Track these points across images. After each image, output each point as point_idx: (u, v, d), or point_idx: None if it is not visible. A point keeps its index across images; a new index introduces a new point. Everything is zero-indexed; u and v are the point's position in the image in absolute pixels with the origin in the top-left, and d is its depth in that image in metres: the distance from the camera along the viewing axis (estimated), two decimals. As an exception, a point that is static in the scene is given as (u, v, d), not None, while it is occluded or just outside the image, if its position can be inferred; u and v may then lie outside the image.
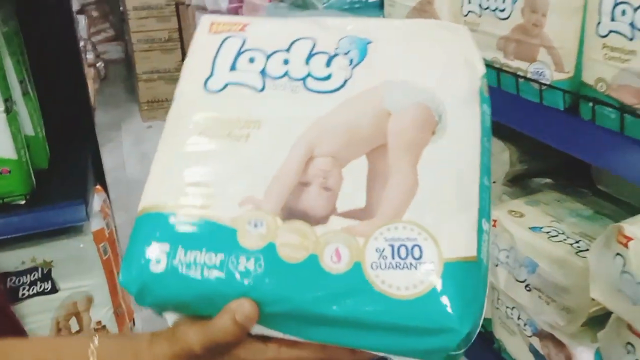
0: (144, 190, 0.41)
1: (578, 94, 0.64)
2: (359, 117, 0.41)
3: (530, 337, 0.77)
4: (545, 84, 0.68)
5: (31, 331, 1.06)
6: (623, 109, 0.57)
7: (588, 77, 0.61)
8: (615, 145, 0.60)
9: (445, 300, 0.35)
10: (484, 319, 0.93)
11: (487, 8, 0.73)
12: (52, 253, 1.02)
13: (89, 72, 3.43)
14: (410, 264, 0.36)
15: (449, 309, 0.35)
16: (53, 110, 1.20)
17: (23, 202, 0.97)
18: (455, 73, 0.43)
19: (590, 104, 0.62)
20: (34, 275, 1.02)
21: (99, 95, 3.68)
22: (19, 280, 1.02)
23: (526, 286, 0.72)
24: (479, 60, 0.44)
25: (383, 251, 0.36)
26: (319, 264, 0.36)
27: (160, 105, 3.40)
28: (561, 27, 0.62)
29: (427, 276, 0.35)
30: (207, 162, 0.41)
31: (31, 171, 1.00)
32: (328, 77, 0.43)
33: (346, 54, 0.43)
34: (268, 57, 0.44)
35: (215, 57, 0.45)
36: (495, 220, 0.77)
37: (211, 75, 0.44)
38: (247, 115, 0.42)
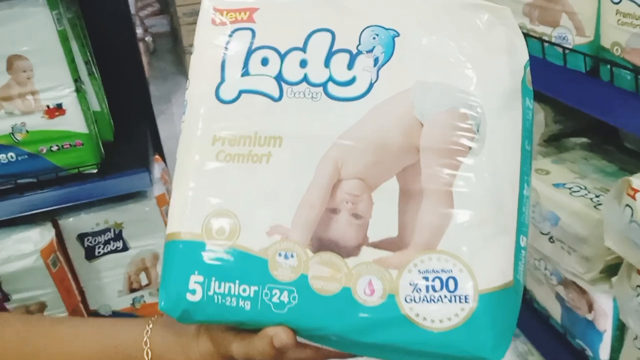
0: (169, 212, 0.41)
1: (598, 57, 0.67)
2: (388, 130, 0.37)
3: (555, 285, 0.83)
4: (568, 48, 0.71)
5: (107, 285, 1.20)
6: (637, 70, 0.61)
7: (605, 41, 0.64)
8: (631, 104, 0.64)
9: (479, 332, 0.34)
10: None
11: (512, -24, 0.76)
12: (122, 216, 1.14)
13: (139, 47, 3.56)
14: (445, 297, 0.35)
15: (483, 341, 0.34)
16: (113, 87, 1.31)
17: (95, 170, 1.08)
18: (496, 67, 0.37)
19: (609, 66, 0.65)
20: (107, 236, 1.15)
21: (150, 69, 3.81)
22: (95, 240, 1.15)
23: (550, 238, 0.78)
24: (522, 46, 0.39)
25: (417, 284, 0.35)
26: (353, 296, 0.36)
27: (207, 77, 3.51)
28: (580, -6, 0.66)
29: (462, 309, 0.35)
30: (230, 186, 0.39)
31: (100, 143, 1.12)
32: (352, 81, 0.38)
33: (370, 51, 0.38)
34: (283, 57, 0.40)
35: (224, 58, 0.41)
36: (522, 178, 0.83)
37: (222, 81, 0.40)
38: (267, 130, 0.39)
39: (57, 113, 1.03)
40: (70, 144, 1.04)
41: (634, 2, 0.57)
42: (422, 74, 0.37)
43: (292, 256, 0.37)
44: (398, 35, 0.38)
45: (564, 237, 0.75)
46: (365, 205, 0.37)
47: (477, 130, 0.36)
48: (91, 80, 1.16)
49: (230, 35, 0.41)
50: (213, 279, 0.38)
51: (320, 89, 0.39)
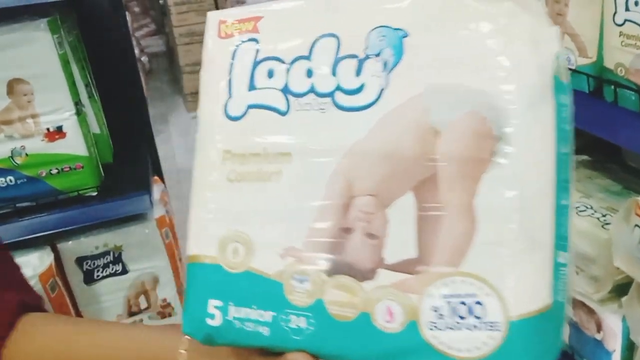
0: (189, 233, 0.40)
1: (601, 77, 0.68)
2: (401, 140, 0.34)
3: (563, 305, 0.82)
4: (571, 69, 0.72)
5: (106, 309, 1.18)
6: (641, 91, 0.61)
7: (609, 62, 0.65)
8: (635, 124, 0.64)
9: None
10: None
11: (513, -2, 0.77)
12: (122, 238, 1.13)
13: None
14: (471, 324, 0.32)
15: None
16: (112, 109, 1.31)
17: (95, 193, 1.07)
18: (519, 62, 0.33)
19: (612, 87, 0.66)
20: (106, 259, 1.14)
21: (146, 89, 3.83)
22: (94, 264, 1.14)
23: (557, 258, 0.77)
24: (551, 35, 0.34)
25: (440, 309, 0.32)
26: (372, 323, 0.34)
27: (203, 96, 3.53)
28: (582, 16, 0.66)
29: (491, 338, 0.32)
30: (242, 207, 0.38)
31: (100, 166, 1.11)
32: (360, 89, 0.36)
33: (378, 55, 0.35)
34: (288, 68, 0.38)
35: (231, 72, 0.40)
36: (526, 198, 0.82)
37: (230, 96, 0.40)
38: (275, 146, 0.37)
39: (57, 136, 1.02)
40: (70, 167, 1.04)
41: (637, 24, 0.58)
42: (435, 76, 0.34)
43: (306, 280, 0.36)
44: (407, 35, 0.35)
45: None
46: (379, 223, 0.34)
47: (501, 136, 0.32)
48: (91, 103, 1.16)
49: (236, 48, 0.40)
50: (230, 303, 0.38)
51: (328, 99, 0.37)
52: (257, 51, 0.39)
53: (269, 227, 0.37)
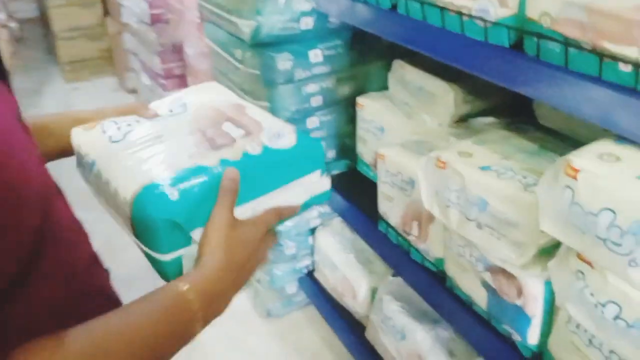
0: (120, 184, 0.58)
1: (522, 29, 0.63)
2: (206, 114, 0.68)
3: (482, 272, 0.79)
4: (489, 21, 0.67)
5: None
6: (567, 42, 0.57)
7: (532, 12, 0.60)
8: (559, 79, 0.60)
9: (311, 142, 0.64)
10: (436, 258, 0.95)
11: (428, -57, 0.71)
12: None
13: (2, 34, 3.15)
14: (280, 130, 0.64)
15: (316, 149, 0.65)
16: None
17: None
18: (218, 96, 0.75)
19: (535, 39, 0.61)
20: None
21: (16, 58, 3.40)
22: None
23: (477, 224, 0.74)
24: (230, 93, 0.76)
25: (268, 134, 0.63)
26: (249, 154, 0.60)
27: (84, 65, 3.18)
28: (504, -39, 0.62)
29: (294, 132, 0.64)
30: (150, 147, 0.62)
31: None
32: (179, 111, 0.70)
33: (178, 107, 0.71)
34: (133, 132, 0.65)
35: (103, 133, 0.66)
36: (445, 162, 0.78)
37: (115, 141, 0.64)
38: (151, 136, 0.64)
39: None
40: None
41: (567, -34, 0.53)
42: (200, 102, 0.71)
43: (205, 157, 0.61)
44: (187, 102, 0.71)
45: (493, 222, 0.71)
46: (223, 130, 0.65)
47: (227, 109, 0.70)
48: None
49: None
50: (175, 182, 0.56)
51: (165, 118, 0.69)
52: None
53: (172, 155, 0.60)
